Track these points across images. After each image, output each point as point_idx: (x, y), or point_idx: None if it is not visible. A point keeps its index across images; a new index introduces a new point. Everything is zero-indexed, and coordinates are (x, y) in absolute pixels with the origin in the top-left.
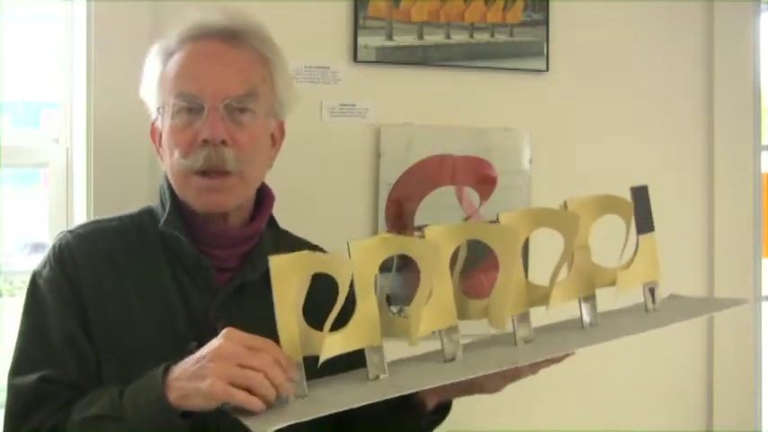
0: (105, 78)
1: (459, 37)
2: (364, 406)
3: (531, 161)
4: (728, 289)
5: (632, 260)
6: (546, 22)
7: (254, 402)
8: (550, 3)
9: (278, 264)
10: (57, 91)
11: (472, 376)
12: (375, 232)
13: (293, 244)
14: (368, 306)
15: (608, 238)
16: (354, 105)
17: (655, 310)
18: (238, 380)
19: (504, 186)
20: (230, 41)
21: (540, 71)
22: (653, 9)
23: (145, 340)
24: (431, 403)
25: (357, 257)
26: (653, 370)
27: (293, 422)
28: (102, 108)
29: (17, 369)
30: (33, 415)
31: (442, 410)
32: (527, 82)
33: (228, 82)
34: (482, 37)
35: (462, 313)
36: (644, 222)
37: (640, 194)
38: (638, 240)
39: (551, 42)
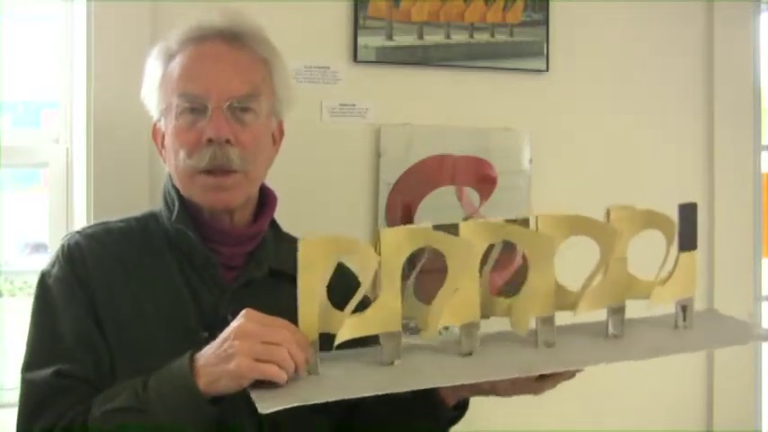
0: (105, 78)
1: (459, 37)
2: (383, 399)
3: (531, 161)
4: (728, 289)
5: (670, 276)
6: (546, 22)
7: (283, 375)
8: (550, 3)
9: (306, 246)
10: (57, 91)
11: (488, 379)
12: (375, 233)
13: (295, 243)
14: (391, 295)
15: (646, 249)
16: (354, 105)
17: (685, 327)
18: (263, 356)
19: (504, 186)
20: (231, 43)
21: (540, 71)
22: (653, 9)
23: (157, 337)
24: (452, 400)
25: (386, 246)
26: (653, 370)
27: (299, 404)
28: (102, 108)
29: (30, 365)
30: (48, 409)
31: (461, 407)
32: (527, 82)
33: (231, 82)
34: (482, 37)
35: (487, 310)
36: (687, 240)
37: (688, 212)
38: (678, 257)
39: (551, 42)
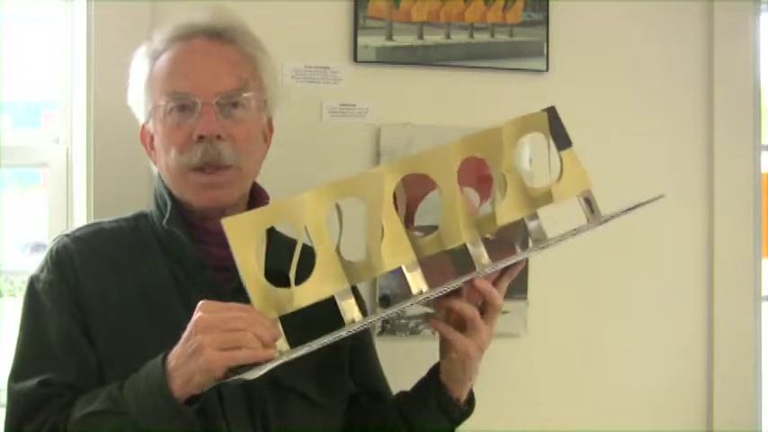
0: (105, 78)
1: (459, 37)
2: (396, 401)
3: (530, 161)
4: (728, 289)
5: (560, 176)
6: (546, 22)
7: (253, 355)
8: (550, 3)
9: (232, 225)
10: (57, 91)
11: (441, 288)
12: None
13: (288, 243)
14: (325, 252)
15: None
16: (354, 105)
17: (595, 217)
18: (229, 344)
19: None
20: (217, 39)
21: (540, 71)
22: (653, 9)
23: (146, 340)
24: (461, 395)
25: (305, 209)
26: (653, 370)
27: (282, 361)
28: (102, 108)
29: (17, 374)
30: (34, 418)
31: (470, 403)
32: (527, 82)
33: (220, 77)
34: (482, 37)
35: (418, 252)
36: (561, 139)
37: (551, 115)
38: (560, 157)
39: (551, 42)
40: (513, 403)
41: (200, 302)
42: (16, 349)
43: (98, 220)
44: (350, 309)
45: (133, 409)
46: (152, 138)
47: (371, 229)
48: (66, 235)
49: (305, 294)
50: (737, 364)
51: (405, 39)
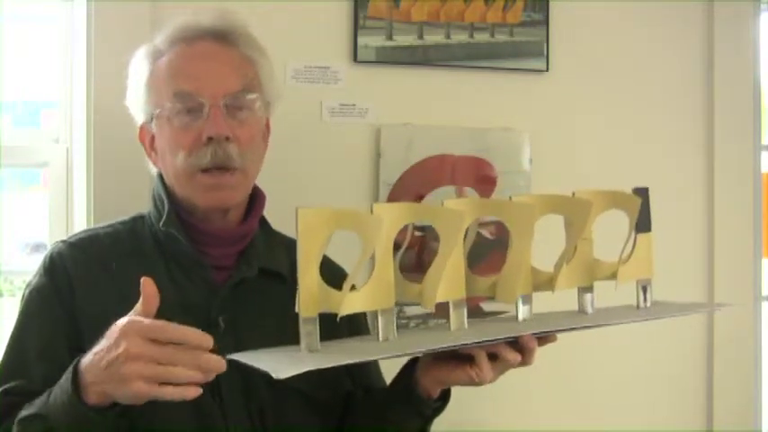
0: (105, 78)
1: (459, 37)
2: (368, 396)
3: (531, 161)
4: (728, 289)
5: (630, 256)
6: (546, 22)
7: (190, 392)
8: (550, 3)
9: (306, 218)
10: (57, 91)
11: (476, 340)
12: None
13: (285, 243)
14: (386, 269)
15: (604, 235)
16: (354, 105)
17: (646, 307)
18: (162, 378)
19: (504, 186)
20: (220, 41)
21: (540, 71)
22: (653, 9)
23: None
24: (435, 392)
25: (382, 219)
26: (653, 369)
27: (311, 368)
28: (102, 108)
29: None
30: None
31: (444, 398)
32: (527, 82)
33: (226, 79)
34: (482, 37)
35: (469, 289)
36: (643, 222)
37: (641, 195)
38: (635, 239)
39: (551, 42)
40: (512, 403)
41: (123, 323)
42: (3, 355)
43: (93, 227)
44: (387, 327)
45: (53, 415)
46: (152, 138)
47: (439, 262)
48: (63, 241)
49: (352, 302)
50: (737, 364)
51: (405, 39)
